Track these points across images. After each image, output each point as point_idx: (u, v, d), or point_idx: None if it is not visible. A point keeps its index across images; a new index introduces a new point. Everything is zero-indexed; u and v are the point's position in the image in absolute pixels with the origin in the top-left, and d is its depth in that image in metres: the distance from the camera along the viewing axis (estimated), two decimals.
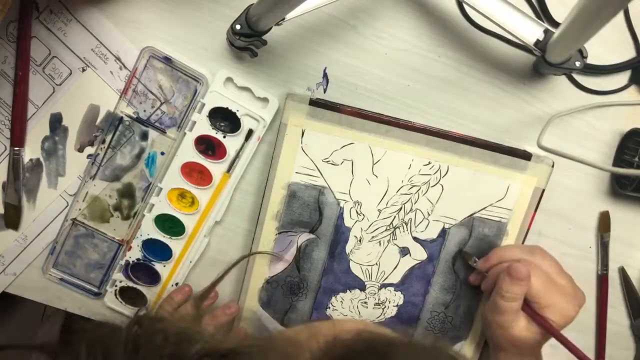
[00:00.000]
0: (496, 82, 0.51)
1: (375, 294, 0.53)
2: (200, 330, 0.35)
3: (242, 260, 0.52)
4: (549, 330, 0.45)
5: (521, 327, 0.46)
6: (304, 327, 0.46)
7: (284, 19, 0.43)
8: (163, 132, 0.51)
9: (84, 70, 0.50)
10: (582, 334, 0.56)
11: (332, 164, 0.50)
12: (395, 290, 0.53)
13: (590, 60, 0.49)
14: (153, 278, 0.54)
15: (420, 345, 0.30)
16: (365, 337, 0.32)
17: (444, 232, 0.51)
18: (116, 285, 0.54)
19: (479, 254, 0.51)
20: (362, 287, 0.53)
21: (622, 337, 0.57)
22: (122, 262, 0.54)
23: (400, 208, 0.51)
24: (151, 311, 0.53)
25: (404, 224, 0.51)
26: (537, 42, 0.45)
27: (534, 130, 0.52)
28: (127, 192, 0.52)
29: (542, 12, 0.50)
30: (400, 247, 0.52)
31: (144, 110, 0.50)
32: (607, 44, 0.51)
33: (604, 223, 0.54)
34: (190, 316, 0.50)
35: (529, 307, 0.45)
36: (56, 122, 0.51)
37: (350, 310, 0.54)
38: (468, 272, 0.52)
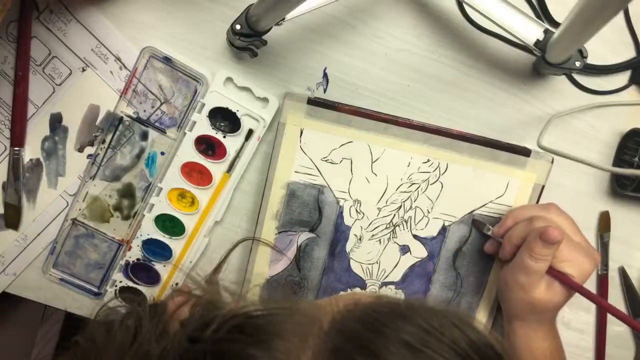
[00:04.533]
0: (496, 82, 0.51)
1: (376, 292, 0.53)
2: (223, 299, 0.36)
3: (244, 241, 0.52)
4: (570, 284, 0.44)
5: (542, 289, 0.45)
6: (325, 299, 0.46)
7: (284, 19, 0.43)
8: (163, 132, 0.51)
9: (84, 70, 0.50)
10: (582, 334, 0.56)
11: (331, 162, 0.50)
12: (396, 288, 0.53)
13: (590, 60, 0.49)
14: (153, 278, 0.54)
15: (437, 308, 0.31)
16: (385, 301, 0.33)
17: (444, 230, 0.51)
18: (116, 285, 0.54)
19: (481, 251, 0.52)
20: (363, 286, 0.53)
21: (622, 337, 0.57)
22: (122, 262, 0.54)
23: (400, 206, 0.51)
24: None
25: (403, 222, 0.51)
26: (537, 42, 0.45)
27: (534, 130, 0.52)
28: (127, 192, 0.52)
29: (542, 12, 0.50)
30: (400, 245, 0.52)
31: (144, 110, 0.50)
32: (607, 44, 0.51)
33: (604, 223, 0.54)
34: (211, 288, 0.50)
35: (550, 267, 0.44)
36: (56, 122, 0.51)
37: None
38: (469, 269, 0.52)
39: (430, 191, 0.50)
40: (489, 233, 0.50)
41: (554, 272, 0.45)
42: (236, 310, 0.30)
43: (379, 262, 0.52)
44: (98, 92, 0.50)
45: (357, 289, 0.53)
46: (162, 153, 0.51)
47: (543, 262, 0.44)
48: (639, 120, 0.52)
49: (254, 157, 0.52)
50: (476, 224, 0.51)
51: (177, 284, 0.54)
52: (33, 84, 0.50)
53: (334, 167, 0.50)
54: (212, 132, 0.50)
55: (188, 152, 0.50)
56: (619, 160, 0.52)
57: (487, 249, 0.51)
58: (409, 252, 0.52)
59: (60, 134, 0.51)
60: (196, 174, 0.51)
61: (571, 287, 0.45)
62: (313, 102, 0.48)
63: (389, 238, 0.52)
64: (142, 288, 0.55)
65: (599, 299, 0.44)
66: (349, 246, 0.52)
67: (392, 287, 0.53)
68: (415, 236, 0.52)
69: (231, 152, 0.51)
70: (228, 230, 0.54)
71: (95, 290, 0.55)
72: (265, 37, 0.46)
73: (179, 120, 0.51)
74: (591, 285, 0.56)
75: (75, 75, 0.50)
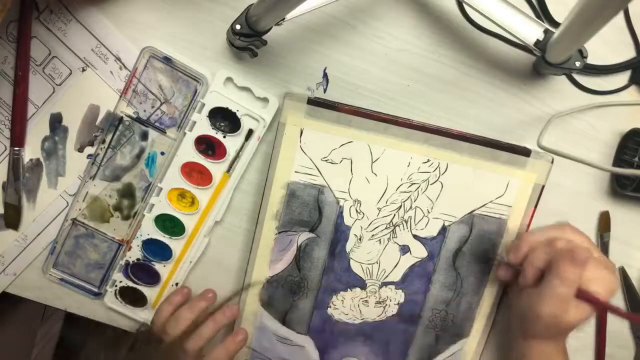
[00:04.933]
0: (496, 82, 0.51)
1: (376, 292, 0.53)
2: None
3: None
4: (602, 305, 0.43)
5: (572, 312, 0.43)
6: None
7: (284, 19, 0.43)
8: (163, 132, 0.51)
9: (84, 70, 0.50)
10: (582, 333, 0.56)
11: (331, 162, 0.50)
12: (396, 288, 0.53)
13: (590, 60, 0.49)
14: (153, 278, 0.54)
15: None
16: None
17: (444, 230, 0.51)
18: (116, 285, 0.54)
19: (481, 252, 0.52)
20: (363, 286, 0.53)
21: (622, 337, 0.57)
22: (122, 262, 0.54)
23: (400, 206, 0.51)
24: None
25: (403, 222, 0.51)
26: (537, 42, 0.45)
27: (534, 130, 0.52)
28: (127, 192, 0.52)
29: (542, 12, 0.50)
30: (400, 245, 0.52)
31: (144, 110, 0.50)
32: (607, 44, 0.51)
33: (604, 223, 0.54)
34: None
35: (580, 290, 0.43)
36: (56, 122, 0.51)
37: (351, 309, 0.54)
38: (469, 269, 0.52)
39: (430, 191, 0.50)
40: (506, 260, 0.48)
41: (583, 294, 0.43)
42: None
43: (379, 262, 0.52)
44: (98, 92, 0.50)
45: (357, 289, 0.53)
46: (162, 153, 0.51)
47: (573, 285, 0.42)
48: (639, 120, 0.52)
49: (254, 157, 0.52)
50: (495, 262, 0.51)
51: (177, 284, 0.54)
52: (33, 84, 0.50)
53: (334, 167, 0.50)
54: (212, 132, 0.50)
55: (188, 152, 0.50)
56: (619, 160, 0.52)
57: (502, 276, 0.50)
58: (409, 252, 0.52)
59: (60, 134, 0.51)
60: (196, 174, 0.51)
61: (603, 307, 0.43)
62: (313, 102, 0.48)
63: (389, 238, 0.52)
64: (142, 288, 0.55)
65: (630, 315, 0.42)
66: (349, 246, 0.52)
67: (392, 287, 0.53)
68: (415, 236, 0.52)
69: (231, 152, 0.51)
70: (228, 230, 0.54)
71: (95, 290, 0.55)
72: (265, 37, 0.46)
73: (179, 120, 0.51)
74: None
75: (75, 75, 0.50)
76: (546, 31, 0.45)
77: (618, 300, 0.56)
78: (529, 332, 0.47)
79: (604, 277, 0.44)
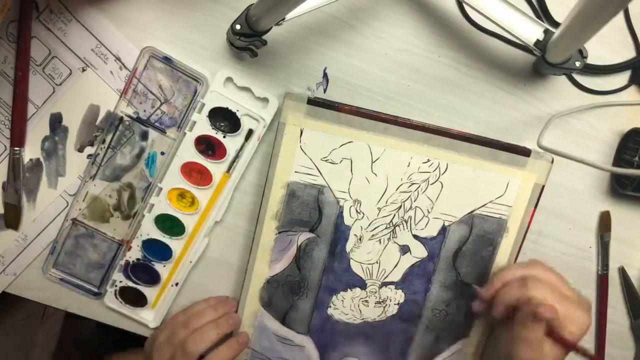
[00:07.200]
0: (496, 82, 0.51)
1: (376, 292, 0.53)
2: None
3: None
4: (570, 347, 0.43)
5: (547, 350, 0.44)
6: None
7: (284, 19, 0.43)
8: (163, 132, 0.51)
9: (84, 70, 0.50)
10: None
11: (331, 162, 0.50)
12: (396, 288, 0.53)
13: (590, 60, 0.49)
14: (153, 278, 0.54)
15: None
16: None
17: (444, 230, 0.51)
18: (116, 285, 0.54)
19: (481, 252, 0.52)
20: (363, 286, 0.53)
21: (622, 337, 0.57)
22: (122, 262, 0.54)
23: (400, 206, 0.51)
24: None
25: (403, 222, 0.51)
26: (537, 42, 0.45)
27: (534, 130, 0.52)
28: (127, 192, 0.52)
29: (542, 12, 0.50)
30: (400, 245, 0.52)
31: (144, 110, 0.50)
32: (607, 44, 0.51)
33: (604, 223, 0.54)
34: None
35: (551, 330, 0.44)
36: (56, 122, 0.51)
37: (351, 309, 0.54)
38: (469, 269, 0.52)
39: (430, 191, 0.50)
40: (478, 293, 0.49)
41: (554, 336, 0.43)
42: None
43: (379, 262, 0.52)
44: (98, 92, 0.50)
45: (357, 289, 0.53)
46: (162, 153, 0.51)
47: (539, 330, 0.43)
48: (639, 120, 0.52)
49: (254, 157, 0.52)
50: (466, 285, 0.51)
51: (177, 284, 0.54)
52: (33, 84, 0.50)
53: (334, 167, 0.50)
54: (212, 132, 0.50)
55: (188, 152, 0.50)
56: (619, 160, 0.52)
57: (476, 309, 0.50)
58: (409, 252, 0.52)
59: (60, 134, 0.51)
60: (196, 174, 0.51)
61: (570, 349, 0.44)
62: (313, 102, 0.48)
63: (389, 238, 0.52)
64: (142, 288, 0.55)
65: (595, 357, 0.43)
66: (349, 246, 0.52)
67: (392, 287, 0.53)
68: (415, 236, 0.52)
69: (231, 152, 0.51)
70: (228, 230, 0.54)
71: (95, 290, 0.55)
72: (265, 37, 0.46)
73: (179, 120, 0.51)
74: (591, 286, 0.56)
75: (75, 75, 0.50)
76: (546, 31, 0.45)
77: (618, 301, 0.56)
78: None
79: (577, 316, 0.44)
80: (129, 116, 0.50)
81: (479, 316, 0.53)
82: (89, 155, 0.52)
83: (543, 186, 0.50)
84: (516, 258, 0.52)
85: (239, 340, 0.53)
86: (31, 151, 0.52)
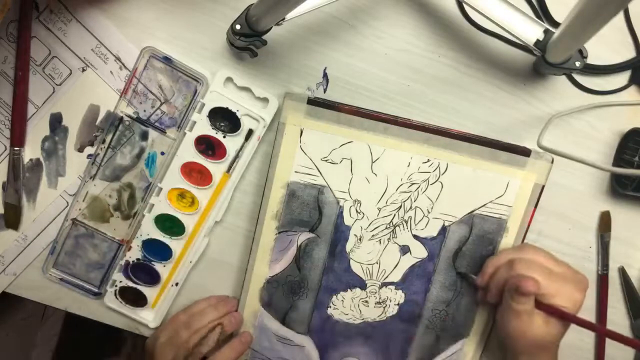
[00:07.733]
0: (496, 82, 0.51)
1: (376, 292, 0.53)
2: None
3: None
4: (564, 316, 0.45)
5: (539, 324, 0.46)
6: None
7: (284, 19, 0.43)
8: (163, 132, 0.51)
9: (84, 70, 0.50)
10: (582, 334, 0.56)
11: (331, 162, 0.50)
12: (396, 288, 0.53)
13: (590, 60, 0.49)
14: (153, 278, 0.54)
15: None
16: None
17: (444, 230, 0.51)
18: (116, 285, 0.54)
19: (481, 252, 0.52)
20: (363, 286, 0.53)
21: None
22: (122, 262, 0.54)
23: (400, 206, 0.51)
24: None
25: (403, 222, 0.51)
26: (537, 42, 0.45)
27: (534, 130, 0.52)
28: (127, 192, 0.52)
29: (542, 12, 0.50)
30: (400, 246, 0.52)
31: (144, 110, 0.50)
32: (607, 44, 0.51)
33: (604, 223, 0.54)
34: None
35: (539, 303, 0.46)
36: (56, 122, 0.51)
37: (351, 309, 0.54)
38: (469, 269, 0.52)
39: (430, 191, 0.50)
40: (475, 282, 0.51)
41: (545, 307, 0.45)
42: None
43: (379, 262, 0.52)
44: (98, 92, 0.50)
45: (357, 289, 0.53)
46: (162, 153, 0.51)
47: (527, 303, 0.45)
48: (639, 120, 0.52)
49: (254, 157, 0.52)
50: (464, 275, 0.52)
51: (177, 284, 0.54)
52: (33, 84, 0.50)
53: (334, 167, 0.50)
54: (212, 132, 0.50)
55: (188, 152, 0.50)
56: (619, 160, 0.52)
57: (479, 299, 0.52)
58: (409, 252, 0.52)
59: (60, 134, 0.51)
60: (196, 174, 0.51)
61: (565, 318, 0.45)
62: (313, 102, 0.48)
63: (389, 238, 0.52)
64: (142, 288, 0.55)
65: (597, 326, 0.44)
66: (349, 246, 0.52)
67: (392, 287, 0.53)
68: (415, 236, 0.52)
69: (231, 152, 0.51)
70: (228, 231, 0.54)
71: (95, 290, 0.55)
72: (265, 37, 0.46)
73: (179, 120, 0.51)
74: (591, 286, 0.56)
75: (75, 75, 0.50)
76: (546, 31, 0.45)
77: (618, 301, 0.56)
78: (516, 349, 0.49)
79: (568, 291, 0.46)
80: (129, 116, 0.50)
81: (484, 305, 0.53)
82: (89, 155, 0.52)
83: (543, 186, 0.50)
84: None
85: (241, 340, 0.53)
86: (31, 151, 0.52)
